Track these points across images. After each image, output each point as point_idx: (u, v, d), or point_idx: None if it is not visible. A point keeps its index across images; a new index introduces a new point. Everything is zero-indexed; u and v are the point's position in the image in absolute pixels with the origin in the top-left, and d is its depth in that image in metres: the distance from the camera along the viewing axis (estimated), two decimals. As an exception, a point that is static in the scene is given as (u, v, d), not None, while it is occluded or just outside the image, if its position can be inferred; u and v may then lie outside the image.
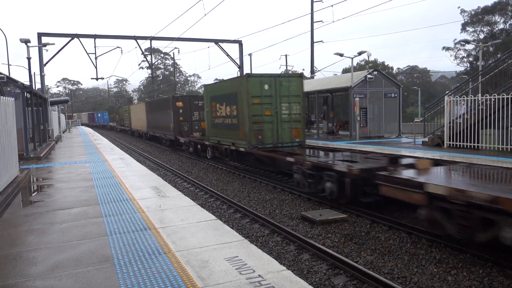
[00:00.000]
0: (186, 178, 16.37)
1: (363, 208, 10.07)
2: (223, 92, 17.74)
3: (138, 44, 30.75)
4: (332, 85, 24.32)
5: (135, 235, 5.69)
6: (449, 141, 15.54)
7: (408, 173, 8.78)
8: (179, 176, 17.20)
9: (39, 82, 29.64)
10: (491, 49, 47.68)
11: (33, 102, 20.37)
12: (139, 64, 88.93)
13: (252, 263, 4.54)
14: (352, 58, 22.81)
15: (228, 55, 33.67)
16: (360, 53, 23.26)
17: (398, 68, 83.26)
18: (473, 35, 53.82)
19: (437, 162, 10.87)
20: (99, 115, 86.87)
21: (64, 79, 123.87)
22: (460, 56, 57.09)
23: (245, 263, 4.54)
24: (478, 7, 53.16)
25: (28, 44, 22.98)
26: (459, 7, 60.95)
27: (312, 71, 34.17)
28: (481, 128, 14.41)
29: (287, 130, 16.00)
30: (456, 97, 16.03)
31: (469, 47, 53.61)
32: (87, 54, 29.75)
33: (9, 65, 31.55)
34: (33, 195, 9.37)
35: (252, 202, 11.99)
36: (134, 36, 30.77)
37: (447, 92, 19.02)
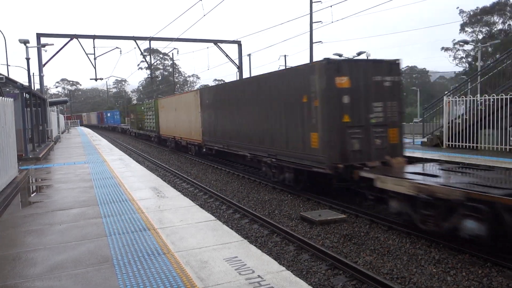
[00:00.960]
0: (185, 178, 16.36)
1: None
2: None
3: (137, 44, 30.72)
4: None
5: (135, 236, 5.69)
6: (448, 141, 15.55)
7: None
8: (178, 176, 17.19)
9: (38, 82, 29.64)
10: (489, 49, 47.75)
11: (32, 102, 20.35)
12: (138, 65, 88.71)
13: (251, 263, 4.55)
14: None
15: (227, 55, 33.67)
16: (359, 54, 23.32)
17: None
18: (472, 36, 53.97)
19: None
20: (108, 114, 73.81)
21: (63, 80, 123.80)
22: (459, 56, 57.29)
23: (244, 264, 4.54)
24: (477, 7, 53.35)
25: (27, 44, 22.99)
26: (458, 7, 61.16)
27: (311, 72, 34.07)
28: (479, 129, 14.43)
29: None
30: (455, 98, 16.05)
31: (468, 47, 53.77)
32: (86, 54, 29.70)
33: (8, 65, 31.53)
34: (32, 195, 9.36)
35: (251, 203, 11.99)
36: (133, 36, 30.74)
37: (446, 92, 19.04)
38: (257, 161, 14.89)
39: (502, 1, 51.05)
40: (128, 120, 51.50)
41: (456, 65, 58.80)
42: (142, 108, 39.57)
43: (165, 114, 29.15)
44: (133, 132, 45.55)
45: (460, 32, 55.10)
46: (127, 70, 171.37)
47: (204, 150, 20.99)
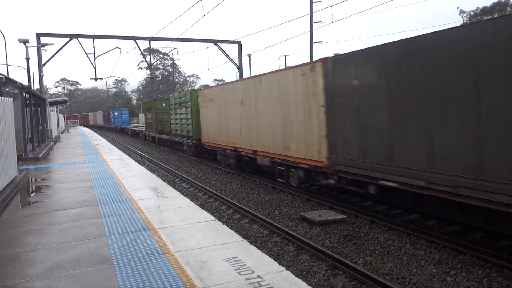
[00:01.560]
0: (185, 178, 16.36)
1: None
2: None
3: (137, 44, 30.70)
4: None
5: (134, 236, 5.69)
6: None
7: None
8: (178, 176, 17.19)
9: (38, 82, 29.63)
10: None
11: (31, 102, 20.34)
12: (138, 65, 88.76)
13: (251, 263, 4.54)
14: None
15: (227, 55, 33.65)
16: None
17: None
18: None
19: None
20: (115, 113, 62.89)
21: (63, 80, 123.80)
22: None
23: (244, 264, 4.53)
24: (477, 7, 53.39)
25: (27, 44, 22.98)
26: (458, 7, 61.22)
27: (311, 72, 34.05)
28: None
29: None
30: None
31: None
32: (86, 54, 29.69)
33: (7, 65, 31.50)
34: (31, 195, 9.35)
35: (251, 203, 11.99)
36: (133, 36, 30.71)
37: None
38: None
39: (503, 1, 51.10)
40: (145, 119, 37.90)
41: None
42: (164, 104, 30.38)
43: (214, 111, 18.94)
44: (150, 136, 34.33)
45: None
46: (127, 70, 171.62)
47: (331, 181, 10.71)
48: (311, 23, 31.05)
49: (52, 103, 33.19)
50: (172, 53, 77.25)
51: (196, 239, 5.45)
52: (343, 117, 9.95)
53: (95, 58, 30.32)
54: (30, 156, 16.21)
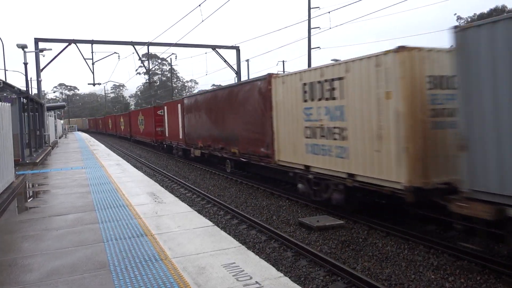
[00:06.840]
0: (183, 184, 16.32)
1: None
2: None
3: (135, 49, 30.75)
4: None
5: (132, 242, 5.66)
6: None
7: None
8: (176, 182, 17.15)
9: (36, 87, 29.61)
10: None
11: (29, 107, 20.31)
12: (136, 70, 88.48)
13: (249, 269, 4.52)
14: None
15: (225, 61, 33.71)
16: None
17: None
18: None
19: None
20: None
21: (60, 85, 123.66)
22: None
23: (242, 270, 4.51)
24: (475, 14, 53.66)
25: (25, 49, 23.01)
26: (456, 14, 61.64)
27: (309, 77, 34.16)
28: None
29: None
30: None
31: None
32: (84, 59, 29.70)
33: (5, 70, 31.50)
34: (28, 201, 9.32)
35: (249, 208, 11.96)
36: (132, 41, 30.75)
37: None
38: None
39: (500, 8, 51.46)
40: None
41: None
42: None
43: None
44: None
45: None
46: (125, 75, 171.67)
47: None
48: (309, 29, 31.17)
49: (50, 108, 33.15)
50: (171, 59, 76.96)
51: (194, 245, 5.43)
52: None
53: (93, 63, 30.34)
54: (27, 161, 16.17)
